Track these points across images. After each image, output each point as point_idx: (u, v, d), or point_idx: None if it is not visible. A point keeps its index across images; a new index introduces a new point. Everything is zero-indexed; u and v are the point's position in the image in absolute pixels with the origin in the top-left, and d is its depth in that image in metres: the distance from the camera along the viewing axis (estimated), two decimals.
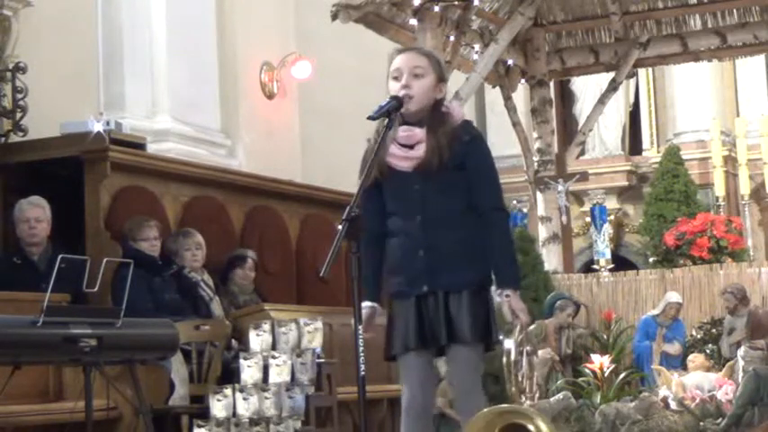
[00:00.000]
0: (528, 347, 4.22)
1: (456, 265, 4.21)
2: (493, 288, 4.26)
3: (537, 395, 4.09)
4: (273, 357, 6.85)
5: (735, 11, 9.69)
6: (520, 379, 4.17)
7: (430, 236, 4.22)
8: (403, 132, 4.25)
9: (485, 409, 3.93)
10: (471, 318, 4.19)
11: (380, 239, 4.31)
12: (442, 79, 4.33)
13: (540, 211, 9.69)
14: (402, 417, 4.30)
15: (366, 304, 4.26)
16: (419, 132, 4.24)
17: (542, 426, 3.69)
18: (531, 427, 3.69)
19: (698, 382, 6.71)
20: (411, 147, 4.24)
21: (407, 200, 4.26)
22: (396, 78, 4.26)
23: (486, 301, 4.24)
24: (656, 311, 7.40)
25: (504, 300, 4.20)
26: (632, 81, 14.29)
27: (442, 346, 4.26)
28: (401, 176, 4.26)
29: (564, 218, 9.46)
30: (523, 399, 4.21)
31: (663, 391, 6.73)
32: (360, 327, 4.12)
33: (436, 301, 4.22)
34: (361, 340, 4.01)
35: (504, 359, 4.15)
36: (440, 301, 4.22)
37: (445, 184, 4.23)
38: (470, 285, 4.22)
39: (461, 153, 4.23)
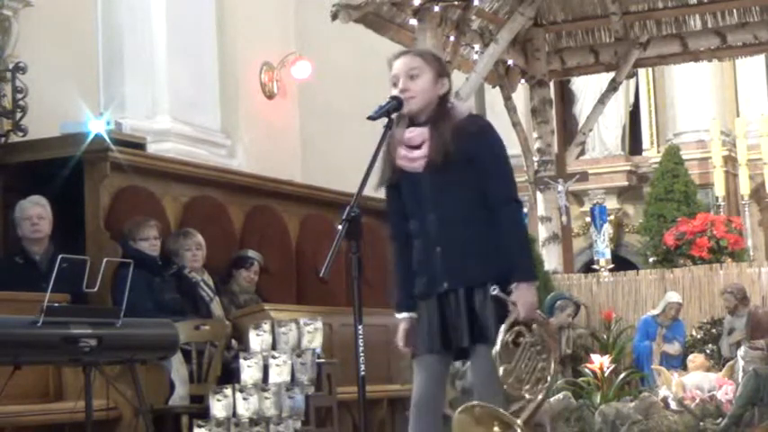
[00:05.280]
0: (531, 339, 4.19)
1: (473, 261, 4.20)
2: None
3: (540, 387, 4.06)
4: (273, 357, 6.85)
5: (735, 11, 9.68)
6: (517, 374, 4.16)
7: (444, 233, 4.22)
8: (409, 134, 4.26)
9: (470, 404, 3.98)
10: (495, 314, 4.16)
11: (408, 243, 4.34)
12: (442, 74, 4.31)
13: (540, 211, 9.68)
14: (411, 411, 4.30)
15: (400, 316, 4.32)
16: (424, 131, 4.25)
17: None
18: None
19: (698, 382, 6.72)
20: (418, 147, 4.25)
21: (421, 200, 4.27)
22: (395, 84, 4.28)
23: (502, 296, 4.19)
24: (656, 311, 7.40)
25: (513, 292, 4.15)
26: (632, 81, 14.27)
27: (464, 347, 4.25)
28: (413, 177, 4.27)
29: (564, 218, 9.46)
30: (525, 394, 4.19)
31: (663, 391, 6.74)
32: (398, 342, 4.23)
33: (457, 300, 4.20)
34: (360, 340, 4.01)
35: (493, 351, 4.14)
36: (461, 299, 4.20)
37: (455, 180, 4.22)
38: (491, 280, 4.17)
39: (468, 146, 4.21)
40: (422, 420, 4.25)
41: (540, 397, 4.17)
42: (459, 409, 4.06)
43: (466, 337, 4.19)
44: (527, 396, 4.16)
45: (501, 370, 4.09)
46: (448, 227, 4.22)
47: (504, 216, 4.22)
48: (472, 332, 4.19)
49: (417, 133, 4.25)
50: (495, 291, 4.15)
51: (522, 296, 4.15)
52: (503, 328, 4.11)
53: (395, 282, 4.35)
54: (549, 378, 4.20)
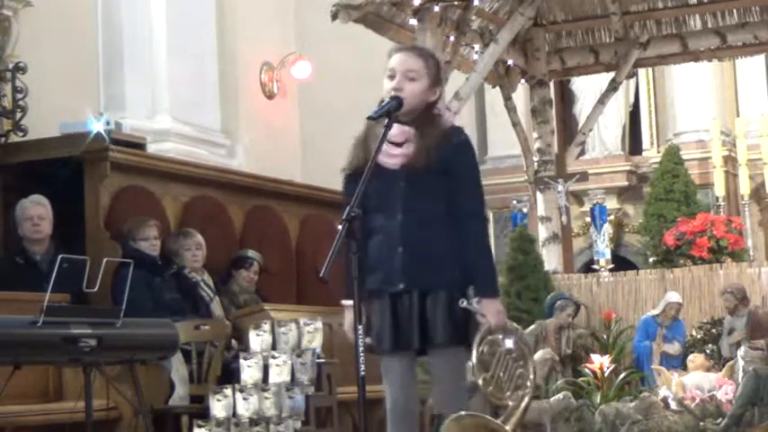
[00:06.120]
0: (507, 347, 4.21)
1: (433, 266, 4.21)
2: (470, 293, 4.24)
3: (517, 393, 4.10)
4: (273, 357, 6.86)
5: (735, 11, 9.68)
6: (494, 382, 4.17)
7: (409, 235, 4.21)
8: (393, 130, 4.24)
9: (459, 415, 3.96)
10: (447, 320, 4.18)
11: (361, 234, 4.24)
12: (436, 83, 4.31)
13: (540, 211, 9.68)
14: (388, 417, 4.29)
15: (348, 303, 4.23)
16: (409, 131, 4.25)
17: None
18: None
19: (698, 382, 6.71)
20: (399, 144, 4.25)
21: (390, 197, 4.25)
22: (390, 77, 4.26)
23: (457, 303, 4.21)
24: (656, 311, 7.40)
25: (476, 305, 4.18)
26: (632, 81, 14.28)
27: (423, 346, 4.25)
28: (387, 174, 4.24)
29: (564, 218, 9.46)
30: (504, 402, 4.21)
31: (663, 391, 6.74)
32: (347, 331, 4.19)
33: (410, 302, 4.21)
34: (360, 340, 4.01)
35: (469, 362, 4.16)
36: (414, 301, 4.21)
37: (429, 186, 4.22)
38: (447, 286, 4.21)
39: (447, 156, 4.23)
40: (398, 426, 4.26)
41: (525, 401, 4.19)
42: (449, 419, 4.06)
43: (416, 339, 4.20)
44: (509, 403, 4.18)
45: (481, 379, 4.11)
46: (415, 229, 4.22)
47: (473, 230, 4.25)
48: (423, 334, 4.20)
49: (401, 131, 4.25)
50: (464, 303, 4.18)
51: (490, 307, 4.19)
52: (476, 340, 4.14)
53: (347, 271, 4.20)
54: (529, 384, 4.21)
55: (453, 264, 4.22)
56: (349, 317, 4.26)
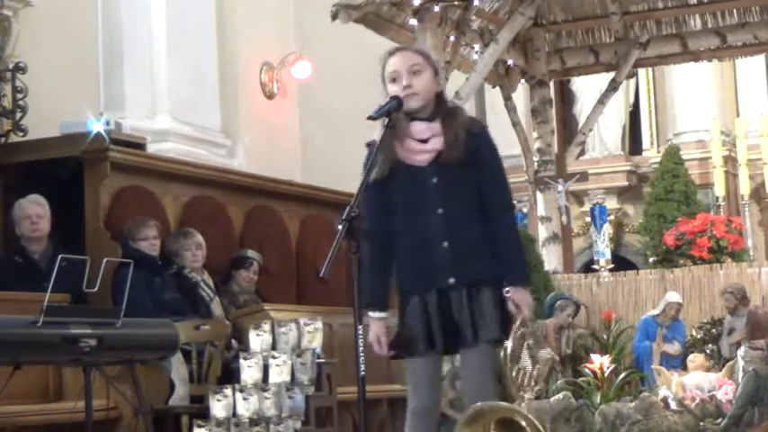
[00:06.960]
0: (530, 341, 4.22)
1: (479, 259, 4.19)
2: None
3: (537, 389, 4.11)
4: (273, 357, 6.86)
5: (735, 11, 9.69)
6: (521, 374, 4.18)
7: (453, 228, 4.18)
8: (417, 127, 4.23)
9: (478, 405, 3.93)
10: (496, 314, 4.17)
11: (388, 239, 4.24)
12: (437, 72, 4.31)
13: (540, 211, 9.69)
14: (409, 417, 4.26)
15: (378, 316, 4.21)
16: (434, 126, 4.23)
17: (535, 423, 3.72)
18: (523, 422, 3.71)
19: (698, 382, 6.71)
20: (425, 141, 4.22)
21: (424, 194, 4.21)
22: (394, 80, 4.23)
23: (503, 297, 4.20)
24: (656, 311, 7.40)
25: (511, 294, 4.18)
26: (632, 81, 14.29)
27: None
28: (416, 171, 4.21)
29: (564, 218, 9.47)
30: (523, 393, 4.22)
31: (663, 391, 6.73)
32: (377, 345, 4.15)
33: (460, 296, 4.17)
34: (360, 340, 4.00)
35: (502, 353, 4.15)
36: (463, 296, 4.17)
37: (461, 178, 4.20)
38: (491, 279, 4.19)
39: (475, 147, 4.21)
40: (423, 425, 4.23)
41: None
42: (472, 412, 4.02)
43: (469, 334, 4.15)
44: (526, 396, 4.18)
45: (515, 370, 4.11)
46: (455, 222, 4.19)
47: (507, 221, 4.26)
48: (474, 330, 4.16)
49: (425, 127, 4.22)
50: (509, 293, 4.18)
51: (525, 298, 4.20)
52: (514, 330, 4.13)
53: (372, 279, 4.16)
54: (534, 381, 4.22)
55: (493, 255, 4.20)
56: (375, 329, 4.22)
